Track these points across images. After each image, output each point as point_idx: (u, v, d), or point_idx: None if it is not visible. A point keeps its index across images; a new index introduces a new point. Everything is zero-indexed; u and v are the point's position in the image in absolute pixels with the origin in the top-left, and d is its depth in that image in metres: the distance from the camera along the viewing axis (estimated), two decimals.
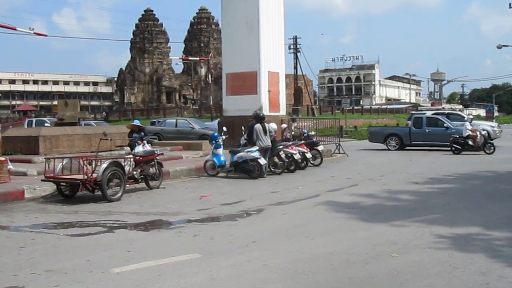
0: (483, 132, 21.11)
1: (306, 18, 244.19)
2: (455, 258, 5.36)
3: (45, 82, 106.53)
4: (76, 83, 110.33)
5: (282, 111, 20.15)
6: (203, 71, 70.69)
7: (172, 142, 20.85)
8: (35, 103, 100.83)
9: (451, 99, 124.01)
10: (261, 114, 14.00)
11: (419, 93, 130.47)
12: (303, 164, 14.74)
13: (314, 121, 25.14)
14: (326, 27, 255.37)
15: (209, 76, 60.09)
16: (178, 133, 25.15)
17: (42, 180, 9.72)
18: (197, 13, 73.74)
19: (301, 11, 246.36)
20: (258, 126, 13.52)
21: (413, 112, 35.27)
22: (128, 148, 12.54)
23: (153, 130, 26.03)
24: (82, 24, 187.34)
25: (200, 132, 24.76)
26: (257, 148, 13.13)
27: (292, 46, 57.17)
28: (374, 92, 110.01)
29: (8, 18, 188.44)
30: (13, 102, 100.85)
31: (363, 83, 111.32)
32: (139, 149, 11.63)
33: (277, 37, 19.70)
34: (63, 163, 9.68)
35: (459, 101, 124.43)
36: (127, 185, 10.10)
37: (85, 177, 9.22)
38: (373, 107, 73.99)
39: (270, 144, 13.48)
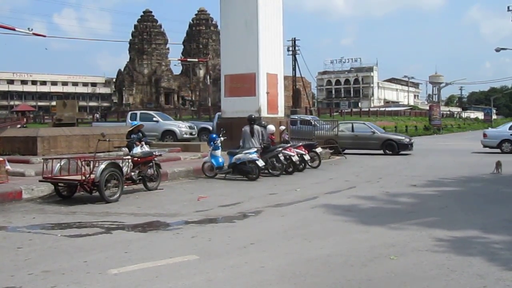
0: None
1: (306, 19, 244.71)
2: (453, 261, 5.36)
3: (43, 83, 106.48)
4: (75, 84, 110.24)
5: (281, 113, 20.15)
6: (201, 72, 70.67)
7: (172, 144, 20.82)
8: (33, 103, 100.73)
9: (449, 101, 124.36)
10: (253, 116, 14.07)
11: (417, 96, 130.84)
12: (301, 166, 14.75)
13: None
14: (326, 29, 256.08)
15: (208, 77, 60.10)
16: (355, 139, 22.59)
17: (40, 181, 9.69)
18: (196, 15, 73.76)
19: (302, 13, 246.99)
20: (245, 128, 13.77)
21: None
22: (126, 149, 12.53)
23: (325, 136, 22.35)
24: (82, 24, 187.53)
25: (383, 137, 22.56)
26: (255, 149, 13.15)
27: (291, 48, 57.22)
28: (373, 95, 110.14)
29: (8, 18, 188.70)
30: (12, 103, 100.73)
31: (362, 86, 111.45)
32: (137, 150, 11.61)
33: (275, 39, 19.71)
34: (61, 164, 9.65)
35: (457, 103, 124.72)
36: (125, 186, 10.08)
37: (83, 178, 9.20)
38: (371, 109, 74.07)
39: (257, 146, 13.45)
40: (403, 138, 22.55)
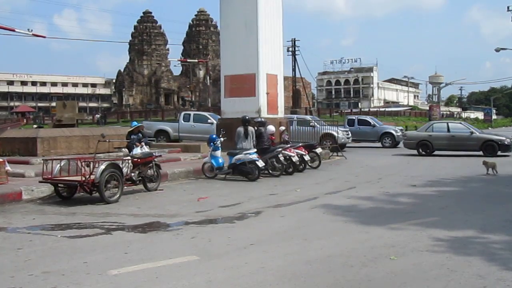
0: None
1: (306, 20, 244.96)
2: (453, 261, 5.36)
3: (43, 84, 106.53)
4: (75, 85, 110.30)
5: (281, 113, 20.15)
6: (201, 73, 70.75)
7: (172, 144, 20.83)
8: (33, 104, 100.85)
9: (449, 102, 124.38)
10: (247, 118, 14.10)
11: (417, 96, 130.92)
12: (301, 167, 14.75)
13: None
14: (326, 29, 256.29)
15: (208, 78, 60.16)
16: (452, 140, 20.97)
17: (40, 182, 9.69)
18: (195, 15, 73.85)
19: (302, 13, 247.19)
20: (239, 129, 13.87)
21: None
22: (126, 149, 12.55)
23: (418, 137, 21.46)
24: (83, 25, 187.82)
25: (483, 137, 21.01)
26: (255, 150, 13.17)
27: (290, 49, 57.22)
28: (373, 95, 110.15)
29: (9, 19, 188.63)
30: (11, 104, 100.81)
31: (362, 86, 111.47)
32: (137, 151, 11.65)
33: (275, 39, 19.72)
34: (61, 165, 9.65)
35: (457, 104, 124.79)
36: (125, 187, 10.08)
37: (83, 178, 9.20)
38: (371, 109, 74.11)
39: (250, 147, 13.48)
40: (504, 138, 20.98)
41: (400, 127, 30.32)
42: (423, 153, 21.06)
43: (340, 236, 6.67)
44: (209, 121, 24.02)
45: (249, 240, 6.40)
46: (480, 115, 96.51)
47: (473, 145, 20.79)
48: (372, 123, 28.25)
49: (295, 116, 26.24)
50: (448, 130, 21.39)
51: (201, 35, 71.13)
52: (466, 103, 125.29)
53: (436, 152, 21.31)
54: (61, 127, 18.72)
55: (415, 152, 21.55)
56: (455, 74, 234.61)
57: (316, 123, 23.87)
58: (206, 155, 14.44)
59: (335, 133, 23.17)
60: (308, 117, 26.82)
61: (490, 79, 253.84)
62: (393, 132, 27.71)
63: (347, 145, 24.99)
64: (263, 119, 15.12)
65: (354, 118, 29.06)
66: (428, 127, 22.45)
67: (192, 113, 26.32)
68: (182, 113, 26.11)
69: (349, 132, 24.66)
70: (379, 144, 27.69)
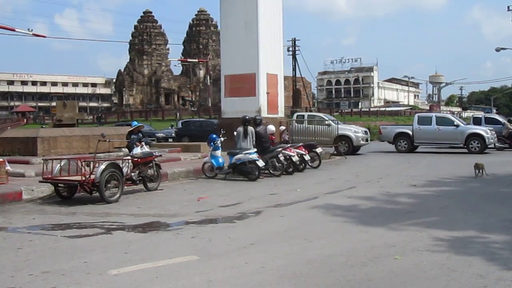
0: None
1: (307, 19, 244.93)
2: (453, 260, 5.36)
3: (43, 83, 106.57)
4: (75, 84, 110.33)
5: (281, 113, 20.18)
6: (201, 73, 70.74)
7: (172, 144, 20.84)
8: (33, 104, 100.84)
9: (449, 101, 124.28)
10: (247, 118, 14.07)
11: (418, 96, 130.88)
12: (301, 166, 14.74)
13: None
14: (327, 29, 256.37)
15: (208, 78, 60.15)
16: None
17: (40, 182, 9.70)
18: (196, 15, 73.88)
19: (302, 13, 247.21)
20: (239, 129, 13.86)
21: None
22: (126, 149, 12.54)
23: None
24: (84, 25, 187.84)
25: None
26: (255, 150, 13.17)
27: (291, 48, 57.23)
28: (373, 95, 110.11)
29: (10, 19, 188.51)
30: (12, 103, 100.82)
31: (362, 86, 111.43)
32: (137, 150, 11.63)
33: (275, 39, 19.74)
34: (61, 164, 9.65)
35: (458, 103, 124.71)
36: (125, 187, 10.08)
37: (83, 178, 9.21)
38: (371, 109, 74.08)
39: (250, 147, 13.46)
40: None
41: None
42: None
43: (340, 235, 6.67)
44: (455, 123, 22.59)
45: (249, 239, 6.40)
46: (480, 115, 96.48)
47: None
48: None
49: (433, 114, 24.83)
50: None
51: (201, 34, 71.16)
52: (466, 103, 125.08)
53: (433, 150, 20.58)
54: (61, 126, 18.69)
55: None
56: (455, 74, 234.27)
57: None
58: (206, 155, 14.44)
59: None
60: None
61: (491, 79, 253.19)
62: None
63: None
64: (257, 117, 14.83)
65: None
66: None
67: (433, 114, 24.40)
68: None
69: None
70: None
